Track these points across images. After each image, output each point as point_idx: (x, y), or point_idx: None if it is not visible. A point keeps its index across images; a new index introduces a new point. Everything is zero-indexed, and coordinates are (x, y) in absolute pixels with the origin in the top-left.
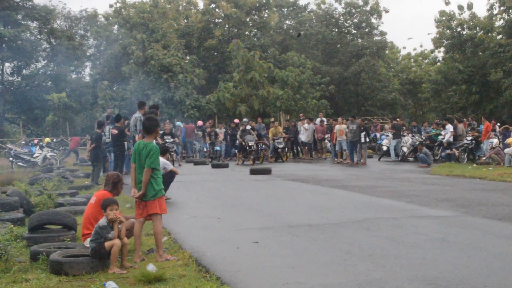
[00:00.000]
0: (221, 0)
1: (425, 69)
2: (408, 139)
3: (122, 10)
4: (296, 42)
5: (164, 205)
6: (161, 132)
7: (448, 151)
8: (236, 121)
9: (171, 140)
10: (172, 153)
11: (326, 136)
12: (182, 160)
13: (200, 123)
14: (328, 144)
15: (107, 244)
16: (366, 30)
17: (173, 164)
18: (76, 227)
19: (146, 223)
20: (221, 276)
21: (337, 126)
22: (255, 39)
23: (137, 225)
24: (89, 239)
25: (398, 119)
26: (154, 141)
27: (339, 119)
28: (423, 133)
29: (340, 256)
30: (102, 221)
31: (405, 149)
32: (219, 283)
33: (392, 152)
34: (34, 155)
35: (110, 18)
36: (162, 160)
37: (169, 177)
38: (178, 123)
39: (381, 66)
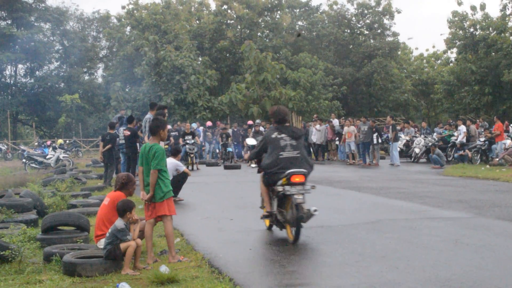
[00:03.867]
0: (233, 1)
1: (437, 70)
2: (420, 140)
3: (135, 11)
4: (308, 43)
5: (172, 206)
6: (174, 132)
7: (461, 152)
8: (250, 122)
9: (192, 141)
10: (192, 156)
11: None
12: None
13: (209, 123)
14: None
15: (122, 245)
16: (379, 31)
17: (192, 168)
18: (89, 228)
19: (158, 225)
20: (234, 277)
21: (346, 128)
22: (267, 40)
23: (148, 226)
24: (102, 240)
25: (410, 121)
26: (162, 142)
27: (348, 121)
28: (434, 134)
29: (353, 257)
30: (120, 224)
31: (417, 150)
32: (232, 284)
33: (391, 155)
34: (47, 157)
35: (123, 20)
36: (174, 161)
37: (182, 178)
38: (193, 124)
39: (394, 67)
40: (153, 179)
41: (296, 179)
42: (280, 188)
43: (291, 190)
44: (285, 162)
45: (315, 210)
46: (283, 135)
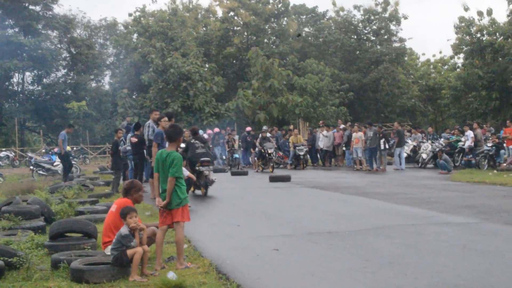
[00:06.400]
0: (240, 8)
1: (444, 75)
2: (427, 146)
3: (141, 18)
4: (315, 49)
5: (187, 213)
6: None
7: (470, 157)
8: (248, 129)
9: None
10: None
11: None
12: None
13: (216, 129)
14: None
15: (129, 251)
16: (385, 36)
17: None
18: (97, 235)
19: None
20: (241, 283)
21: (354, 134)
22: (273, 47)
23: (160, 233)
24: (109, 247)
25: (417, 127)
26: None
27: (355, 127)
28: (441, 140)
29: (360, 263)
30: (124, 230)
31: (424, 156)
32: None
33: (397, 159)
34: (55, 164)
35: (130, 27)
36: None
37: (187, 183)
38: (199, 131)
39: (400, 72)
40: (171, 186)
41: (204, 163)
42: (197, 168)
43: (202, 168)
44: (199, 154)
45: (215, 178)
46: (196, 141)
